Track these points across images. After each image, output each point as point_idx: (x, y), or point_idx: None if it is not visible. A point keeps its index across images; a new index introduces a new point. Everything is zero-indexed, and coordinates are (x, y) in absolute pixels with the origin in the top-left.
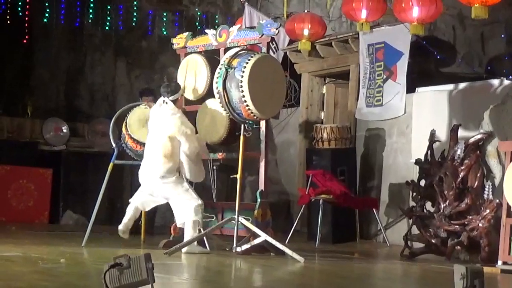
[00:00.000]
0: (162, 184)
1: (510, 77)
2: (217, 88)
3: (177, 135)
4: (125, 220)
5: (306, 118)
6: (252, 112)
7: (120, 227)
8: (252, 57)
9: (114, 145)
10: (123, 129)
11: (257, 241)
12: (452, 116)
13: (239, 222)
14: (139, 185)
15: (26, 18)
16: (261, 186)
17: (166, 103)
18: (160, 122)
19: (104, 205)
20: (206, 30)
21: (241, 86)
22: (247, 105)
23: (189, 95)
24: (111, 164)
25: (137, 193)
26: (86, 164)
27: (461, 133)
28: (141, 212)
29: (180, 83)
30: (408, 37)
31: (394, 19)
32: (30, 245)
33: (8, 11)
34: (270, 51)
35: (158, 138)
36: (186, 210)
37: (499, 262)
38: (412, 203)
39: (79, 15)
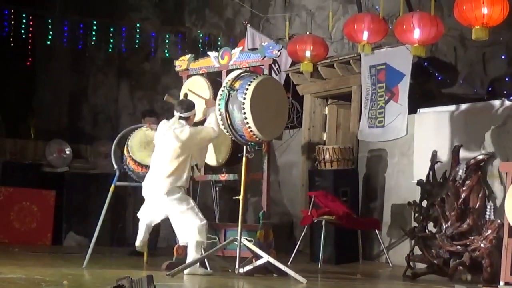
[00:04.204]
0: (167, 201)
1: (511, 98)
2: (219, 110)
3: (187, 144)
4: (140, 236)
5: (308, 139)
6: (254, 134)
7: (137, 243)
8: (254, 79)
9: (115, 167)
10: (125, 151)
11: (259, 262)
12: (454, 137)
13: (241, 243)
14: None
15: (30, 40)
16: (264, 207)
17: (179, 118)
18: (170, 135)
19: (107, 227)
20: (208, 52)
21: (243, 108)
22: (249, 127)
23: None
24: (112, 186)
25: (142, 208)
26: (89, 186)
27: (463, 153)
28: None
29: None
30: (409, 58)
31: (396, 41)
32: (33, 267)
33: (12, 33)
34: (272, 72)
35: (167, 152)
36: (190, 230)
37: (501, 283)
38: (414, 224)
39: (82, 37)
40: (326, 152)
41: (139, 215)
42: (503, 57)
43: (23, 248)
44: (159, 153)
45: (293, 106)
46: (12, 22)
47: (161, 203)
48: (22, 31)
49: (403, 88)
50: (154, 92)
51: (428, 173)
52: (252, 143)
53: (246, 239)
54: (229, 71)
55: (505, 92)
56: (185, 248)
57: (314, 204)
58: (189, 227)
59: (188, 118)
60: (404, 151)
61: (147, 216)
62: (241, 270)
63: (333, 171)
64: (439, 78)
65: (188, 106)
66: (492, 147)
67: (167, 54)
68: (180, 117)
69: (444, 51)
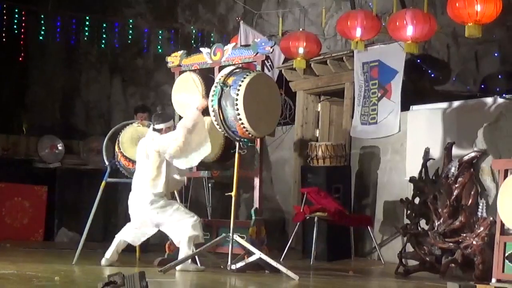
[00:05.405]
0: (152, 210)
1: (504, 95)
2: (212, 106)
3: (156, 147)
4: (107, 255)
5: (301, 136)
6: (247, 130)
7: (103, 262)
8: (247, 75)
9: (107, 163)
10: (116, 147)
11: (251, 258)
12: (446, 134)
13: (233, 240)
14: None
15: (22, 36)
16: (256, 204)
17: (153, 130)
18: (141, 148)
19: (99, 223)
20: (201, 49)
21: (236, 104)
22: (242, 123)
23: (184, 113)
24: (103, 182)
25: (124, 228)
26: (81, 182)
27: (455, 151)
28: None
29: (175, 101)
30: (402, 55)
31: (389, 38)
32: (24, 263)
33: (4, 29)
34: (265, 69)
35: (145, 164)
36: (182, 227)
37: (493, 280)
38: (406, 221)
39: (74, 33)
40: (318, 149)
41: (117, 235)
42: (495, 54)
43: (15, 244)
44: (138, 168)
45: (286, 102)
46: (5, 17)
47: (148, 214)
48: (15, 27)
49: (396, 85)
50: (146, 88)
51: (421, 170)
52: (245, 140)
53: (238, 236)
54: (221, 68)
55: (497, 89)
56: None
57: (307, 200)
58: (181, 226)
59: (161, 130)
60: (396, 148)
61: (128, 235)
62: (233, 267)
63: (325, 168)
64: (432, 75)
65: (164, 118)
66: (484, 144)
67: (160, 50)
68: (154, 129)
69: (437, 48)
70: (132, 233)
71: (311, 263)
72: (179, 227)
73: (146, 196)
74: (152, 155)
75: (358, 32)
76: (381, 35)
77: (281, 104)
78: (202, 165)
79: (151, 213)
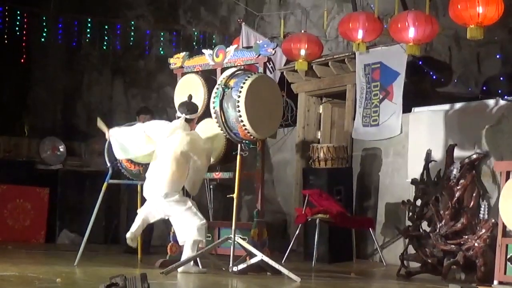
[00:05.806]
0: (165, 203)
1: (506, 97)
2: (214, 108)
3: (191, 152)
4: (133, 228)
5: (302, 137)
6: (249, 132)
7: (128, 234)
8: (249, 77)
9: (108, 164)
10: None
11: (253, 260)
12: (448, 136)
13: (235, 242)
14: (135, 204)
15: (24, 38)
16: (258, 206)
17: (181, 119)
18: (173, 138)
19: (100, 225)
20: (203, 50)
21: (238, 106)
22: (244, 125)
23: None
24: (105, 184)
25: (145, 204)
26: (83, 183)
27: (457, 153)
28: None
29: (177, 102)
30: (404, 57)
31: (391, 40)
32: (26, 265)
33: (6, 31)
34: (267, 71)
35: (169, 154)
36: (188, 229)
37: (495, 282)
38: (408, 223)
39: (76, 35)
40: (320, 151)
41: (139, 210)
42: (497, 56)
43: (17, 246)
44: (160, 155)
45: (287, 104)
46: (7, 19)
47: (160, 205)
48: (17, 29)
49: (398, 87)
50: (148, 90)
51: (423, 172)
52: (247, 141)
53: (240, 238)
54: (223, 69)
55: (499, 91)
56: (179, 246)
57: (308, 202)
58: (188, 227)
59: (192, 120)
60: (398, 150)
61: (147, 212)
62: (235, 269)
63: (327, 170)
64: (434, 77)
65: (193, 108)
66: (486, 146)
67: (162, 52)
68: (185, 119)
69: (438, 50)
70: (149, 209)
71: (313, 265)
72: (186, 227)
73: (161, 187)
74: (185, 150)
75: (359, 34)
76: (383, 37)
77: (282, 106)
78: None
79: (164, 205)
